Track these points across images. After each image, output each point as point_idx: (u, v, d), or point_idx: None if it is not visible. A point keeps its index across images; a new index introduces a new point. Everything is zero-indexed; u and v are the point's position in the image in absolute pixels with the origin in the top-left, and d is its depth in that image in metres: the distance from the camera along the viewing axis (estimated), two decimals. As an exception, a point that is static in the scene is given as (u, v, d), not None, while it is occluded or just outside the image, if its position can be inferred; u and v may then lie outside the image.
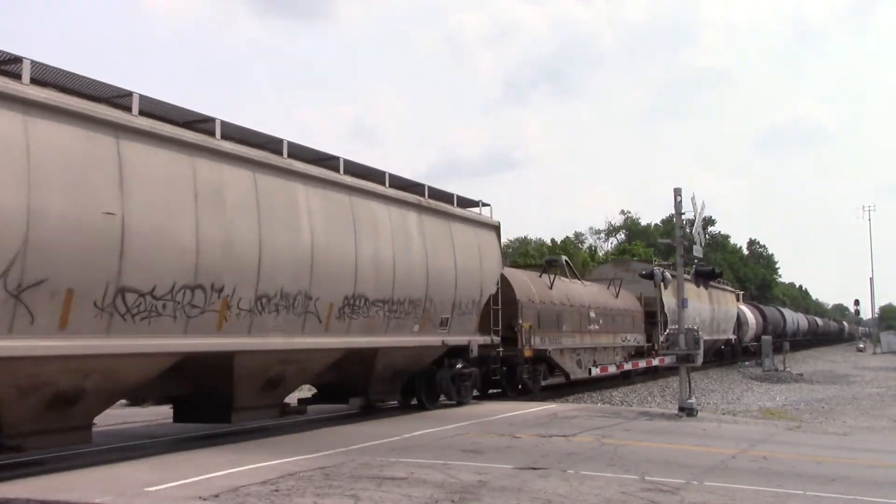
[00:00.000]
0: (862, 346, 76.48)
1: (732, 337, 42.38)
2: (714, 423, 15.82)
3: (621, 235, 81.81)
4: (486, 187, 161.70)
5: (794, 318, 66.89)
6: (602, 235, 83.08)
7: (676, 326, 17.25)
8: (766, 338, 41.85)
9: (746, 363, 42.98)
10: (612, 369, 24.96)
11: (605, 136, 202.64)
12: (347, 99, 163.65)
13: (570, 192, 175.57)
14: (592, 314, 24.62)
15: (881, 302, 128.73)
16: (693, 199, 17.14)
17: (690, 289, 27.72)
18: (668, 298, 29.44)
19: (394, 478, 8.77)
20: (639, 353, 28.38)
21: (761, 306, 56.81)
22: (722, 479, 9.21)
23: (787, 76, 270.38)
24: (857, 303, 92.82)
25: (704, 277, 19.35)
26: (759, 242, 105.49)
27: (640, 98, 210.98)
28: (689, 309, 27.53)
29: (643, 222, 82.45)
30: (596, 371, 23.90)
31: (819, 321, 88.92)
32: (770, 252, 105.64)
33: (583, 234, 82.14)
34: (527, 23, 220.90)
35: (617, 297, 27.37)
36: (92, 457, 10.35)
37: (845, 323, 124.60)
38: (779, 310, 62.40)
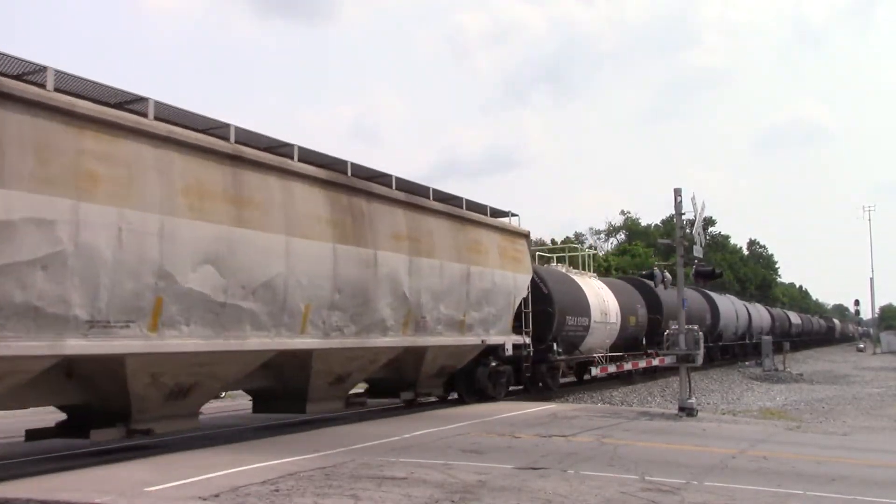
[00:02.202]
0: (862, 346, 76.43)
1: (505, 340, 18.15)
2: (714, 423, 15.81)
3: (621, 236, 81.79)
4: (486, 187, 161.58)
5: (740, 312, 44.97)
6: (602, 236, 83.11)
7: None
8: (767, 338, 40.14)
9: (747, 363, 41.18)
10: (612, 369, 24.95)
11: (605, 137, 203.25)
12: (347, 99, 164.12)
13: (571, 192, 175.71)
14: None
15: (881, 302, 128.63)
16: (693, 199, 17.15)
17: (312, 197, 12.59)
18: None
19: (394, 478, 8.77)
20: None
21: (653, 284, 29.40)
22: (722, 479, 9.21)
23: (787, 76, 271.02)
24: (857, 303, 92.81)
25: (704, 278, 19.34)
26: (759, 242, 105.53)
27: (640, 98, 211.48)
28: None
29: (643, 223, 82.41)
30: (596, 371, 23.89)
31: (794, 318, 70.37)
32: (770, 252, 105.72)
33: (583, 235, 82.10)
34: (527, 23, 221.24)
35: None
36: (92, 457, 10.36)
37: (836, 321, 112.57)
38: (703, 293, 38.68)
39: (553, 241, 63.68)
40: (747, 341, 45.57)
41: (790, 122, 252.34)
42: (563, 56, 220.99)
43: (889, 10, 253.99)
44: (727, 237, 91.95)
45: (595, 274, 27.51)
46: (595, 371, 23.80)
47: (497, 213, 18.88)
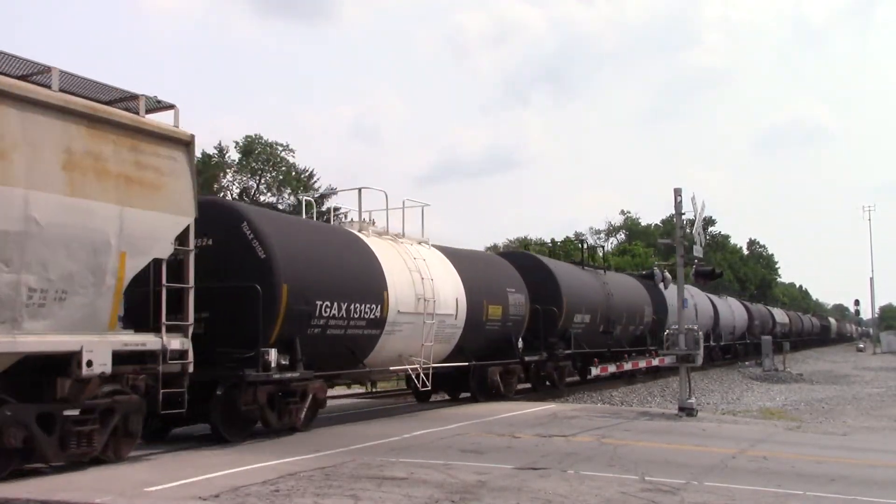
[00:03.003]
0: (862, 346, 76.48)
1: (85, 342, 8.81)
2: (714, 423, 15.81)
3: (621, 235, 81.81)
4: (486, 187, 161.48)
5: (702, 307, 35.23)
6: (602, 235, 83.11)
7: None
8: (766, 338, 39.76)
9: (747, 363, 41.52)
10: (612, 368, 24.93)
11: (605, 136, 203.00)
12: (347, 99, 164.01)
13: (570, 192, 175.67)
14: None
15: (881, 302, 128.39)
16: (693, 199, 17.16)
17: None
18: None
19: (394, 478, 8.78)
20: None
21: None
22: (722, 479, 9.21)
23: (787, 76, 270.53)
24: (857, 303, 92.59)
25: (704, 278, 19.35)
26: (759, 242, 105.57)
27: (640, 98, 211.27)
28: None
29: (643, 222, 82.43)
30: (596, 371, 23.86)
31: (780, 316, 60.09)
32: (770, 252, 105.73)
33: (583, 235, 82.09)
34: (527, 23, 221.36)
35: None
36: (92, 457, 10.33)
37: (832, 320, 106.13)
38: (645, 283, 28.92)
39: (553, 241, 63.80)
40: (713, 343, 36.20)
41: (790, 122, 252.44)
42: (563, 56, 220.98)
43: (889, 10, 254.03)
44: (727, 237, 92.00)
45: (430, 243, 17.41)
46: (595, 371, 23.75)
47: (106, 97, 9.87)
